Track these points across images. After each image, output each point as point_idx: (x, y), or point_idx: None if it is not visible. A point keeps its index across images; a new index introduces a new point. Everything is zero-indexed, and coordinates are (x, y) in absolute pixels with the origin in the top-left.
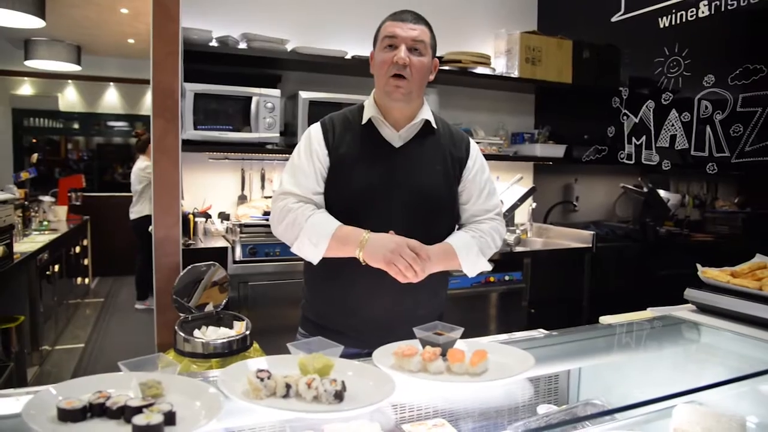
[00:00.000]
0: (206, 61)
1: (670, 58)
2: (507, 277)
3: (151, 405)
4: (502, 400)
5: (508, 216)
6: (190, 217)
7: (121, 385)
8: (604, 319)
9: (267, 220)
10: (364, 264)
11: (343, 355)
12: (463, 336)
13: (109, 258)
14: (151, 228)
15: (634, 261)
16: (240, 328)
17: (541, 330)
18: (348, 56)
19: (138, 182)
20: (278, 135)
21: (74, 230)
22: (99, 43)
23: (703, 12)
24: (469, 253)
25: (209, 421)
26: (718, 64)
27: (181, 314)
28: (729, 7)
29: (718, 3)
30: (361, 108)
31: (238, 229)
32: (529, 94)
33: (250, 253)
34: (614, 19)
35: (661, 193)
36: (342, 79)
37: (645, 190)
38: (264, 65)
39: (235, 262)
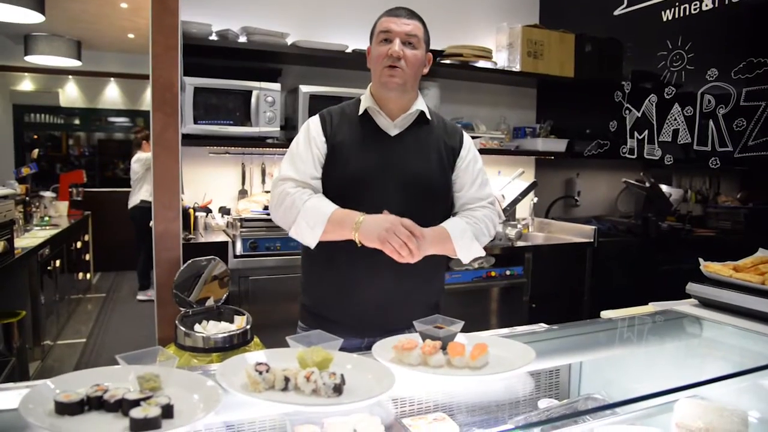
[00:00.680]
0: (206, 54)
1: (673, 51)
2: (508, 272)
3: (148, 398)
4: (502, 394)
5: (510, 211)
6: (191, 211)
7: (119, 379)
8: (606, 314)
9: (268, 214)
10: (360, 246)
11: (343, 349)
12: (464, 330)
13: (110, 253)
14: (151, 223)
15: (635, 256)
16: (240, 322)
17: (542, 324)
18: (348, 50)
19: (133, 173)
20: (279, 129)
21: (75, 225)
22: (99, 38)
23: (706, 5)
24: (463, 237)
25: (207, 414)
26: (721, 58)
27: (182, 309)
28: (733, 0)
29: None
30: (358, 101)
31: (239, 224)
32: (530, 88)
33: (250, 248)
34: (617, 12)
35: (664, 187)
36: (342, 72)
37: (647, 184)
38: (264, 59)
39: (235, 256)
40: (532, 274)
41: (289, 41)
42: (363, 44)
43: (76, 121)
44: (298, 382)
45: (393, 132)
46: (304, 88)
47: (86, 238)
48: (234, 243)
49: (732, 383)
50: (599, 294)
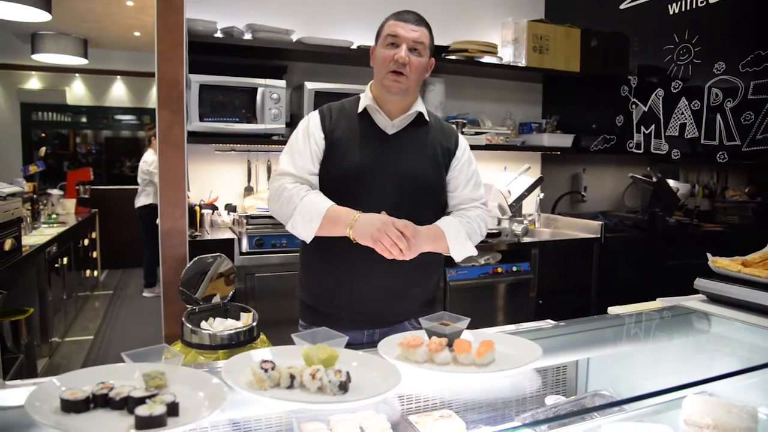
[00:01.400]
0: (211, 52)
1: (680, 45)
2: (515, 268)
3: (154, 396)
4: (509, 390)
5: (516, 206)
6: (197, 208)
7: (124, 376)
8: (613, 310)
9: None
10: (354, 242)
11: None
12: (470, 327)
13: (117, 250)
14: (158, 220)
15: (642, 251)
16: (247, 319)
17: (549, 321)
18: (354, 46)
19: (142, 174)
20: (284, 126)
21: (83, 223)
22: (105, 36)
23: None
24: (457, 236)
25: (212, 411)
26: (728, 51)
27: (188, 306)
28: None
29: None
30: (358, 98)
31: (245, 221)
32: (536, 84)
33: (256, 245)
34: (623, 6)
35: (671, 182)
36: (348, 69)
37: (654, 179)
38: (269, 56)
39: (241, 253)
40: (539, 270)
41: (294, 38)
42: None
43: (83, 119)
44: (304, 379)
45: (390, 131)
46: (310, 85)
47: (93, 235)
48: (240, 240)
49: (741, 379)
50: (606, 290)
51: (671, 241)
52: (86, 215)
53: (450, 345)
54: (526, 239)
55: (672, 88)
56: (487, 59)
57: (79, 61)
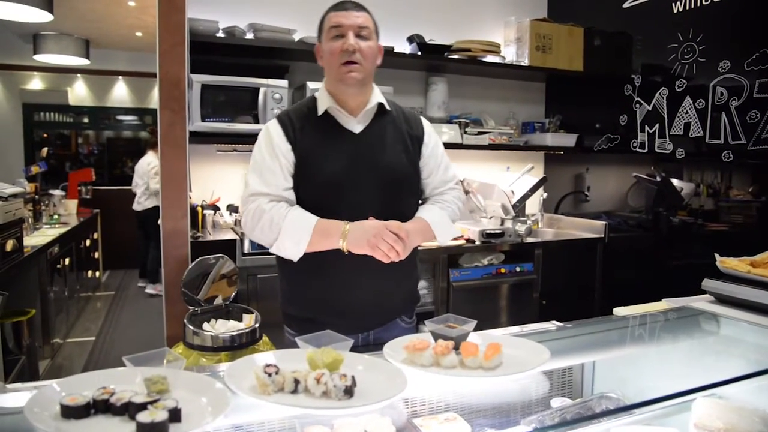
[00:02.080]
0: (213, 52)
1: (684, 43)
2: (518, 268)
3: (155, 401)
4: (515, 393)
5: (519, 206)
6: (199, 209)
7: (125, 381)
8: (619, 311)
9: None
10: (347, 253)
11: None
12: (474, 328)
13: (119, 251)
14: (159, 221)
15: (647, 251)
16: (249, 321)
17: (554, 322)
18: None
19: (137, 177)
20: None
21: (84, 224)
22: (107, 36)
23: None
24: (442, 223)
25: (215, 418)
26: (733, 49)
27: (190, 307)
28: None
29: None
30: (314, 99)
31: None
32: (539, 83)
33: (258, 246)
34: (626, 5)
35: (675, 182)
36: None
37: (658, 179)
38: (271, 56)
39: (243, 254)
40: (542, 270)
41: (297, 37)
42: None
43: (85, 120)
44: (308, 384)
45: (357, 129)
46: (312, 85)
47: (95, 236)
48: (242, 241)
49: (751, 381)
50: (610, 290)
51: (675, 241)
52: (88, 216)
53: (456, 348)
54: (530, 239)
55: (676, 87)
56: (489, 58)
57: (81, 62)
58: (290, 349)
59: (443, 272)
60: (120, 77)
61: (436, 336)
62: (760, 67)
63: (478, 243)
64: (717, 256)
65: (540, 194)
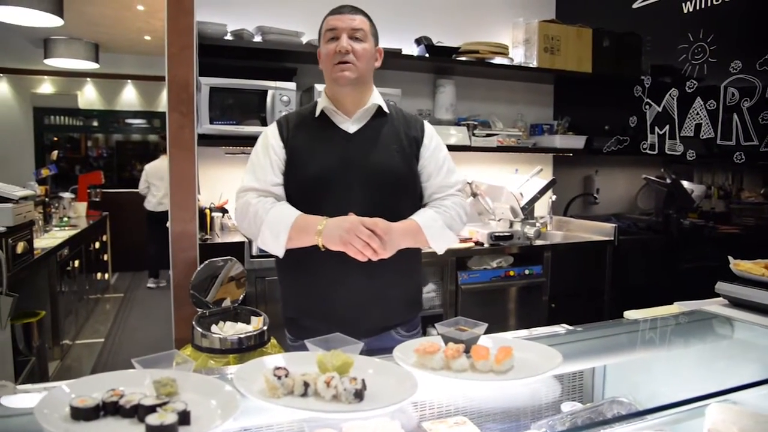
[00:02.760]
0: (221, 54)
1: (695, 44)
2: (527, 271)
3: (165, 404)
4: (525, 397)
5: (528, 209)
6: (207, 211)
7: (135, 383)
8: (629, 314)
9: None
10: (323, 250)
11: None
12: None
13: (127, 253)
14: (168, 223)
15: (657, 254)
16: (257, 323)
17: (564, 325)
18: None
19: (159, 180)
20: None
21: (94, 226)
22: (116, 40)
23: None
24: (434, 227)
25: (225, 420)
26: (745, 50)
27: (199, 309)
28: None
29: None
30: (315, 104)
31: None
32: (547, 85)
33: None
34: (635, 5)
35: (685, 184)
36: None
37: (668, 181)
38: (279, 58)
39: (252, 257)
40: (552, 273)
41: (304, 40)
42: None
43: (95, 123)
44: (318, 387)
45: (351, 129)
46: (320, 87)
47: (104, 238)
48: (250, 243)
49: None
50: (620, 293)
51: (686, 243)
52: (97, 218)
53: (467, 351)
54: (539, 242)
55: (687, 88)
56: (497, 60)
57: (91, 66)
58: (300, 351)
59: (451, 275)
60: (129, 81)
61: (447, 339)
62: None
63: (486, 245)
64: (731, 258)
65: (549, 196)
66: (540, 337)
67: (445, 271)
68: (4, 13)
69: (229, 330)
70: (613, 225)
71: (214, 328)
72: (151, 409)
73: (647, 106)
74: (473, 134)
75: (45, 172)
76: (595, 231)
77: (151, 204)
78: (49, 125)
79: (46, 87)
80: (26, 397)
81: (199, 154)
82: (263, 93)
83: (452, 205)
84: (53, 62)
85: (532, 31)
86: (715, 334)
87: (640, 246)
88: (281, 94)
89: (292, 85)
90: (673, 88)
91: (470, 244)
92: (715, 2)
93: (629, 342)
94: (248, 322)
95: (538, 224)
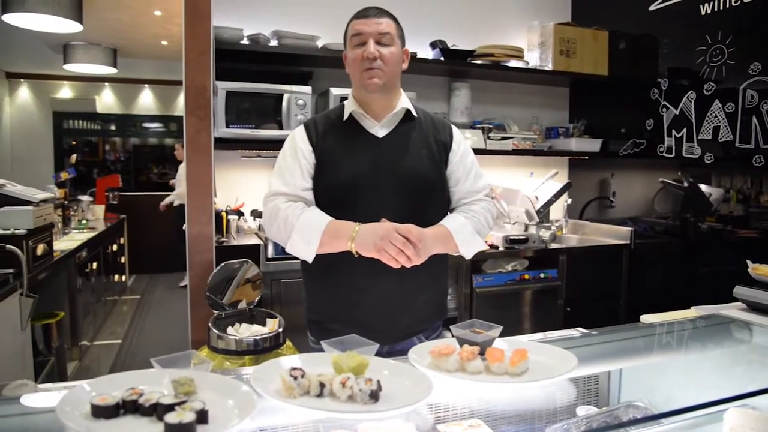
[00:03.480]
0: (238, 59)
1: (713, 46)
2: (542, 275)
3: (183, 403)
4: (540, 400)
5: (543, 212)
6: (223, 214)
7: (154, 382)
8: (646, 318)
9: None
10: (356, 256)
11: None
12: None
13: (144, 256)
14: (184, 226)
15: (674, 258)
16: (273, 325)
17: (579, 329)
18: None
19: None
20: None
21: (111, 229)
22: (134, 45)
23: None
24: (464, 233)
25: (242, 420)
26: (764, 51)
27: (215, 311)
28: None
29: None
30: (342, 107)
31: None
32: (563, 88)
33: (282, 251)
34: (652, 7)
35: (703, 187)
36: None
37: (685, 184)
38: (295, 62)
39: (267, 259)
40: (567, 276)
41: (320, 44)
42: None
43: (112, 127)
44: (334, 388)
45: (381, 133)
46: (335, 91)
47: (122, 241)
48: (266, 246)
49: None
50: (636, 297)
51: (703, 247)
52: (115, 221)
53: (482, 353)
54: (554, 245)
55: (705, 91)
56: (513, 63)
57: (109, 71)
58: (316, 353)
59: (466, 278)
60: (146, 85)
61: (462, 341)
62: None
63: (501, 249)
64: (749, 262)
65: (564, 200)
66: (555, 340)
67: (460, 274)
68: (26, 20)
69: (245, 332)
70: (630, 228)
71: (230, 329)
72: (170, 407)
73: (664, 109)
74: (488, 137)
75: (64, 176)
76: (611, 234)
77: None
78: (68, 129)
79: (66, 92)
80: (46, 396)
81: (215, 157)
82: (279, 97)
83: (481, 211)
84: (72, 67)
85: (547, 34)
86: (733, 339)
87: (657, 250)
88: (297, 98)
89: (307, 89)
90: (690, 91)
91: (485, 248)
92: (733, 3)
93: (645, 346)
94: (264, 324)
95: (553, 227)
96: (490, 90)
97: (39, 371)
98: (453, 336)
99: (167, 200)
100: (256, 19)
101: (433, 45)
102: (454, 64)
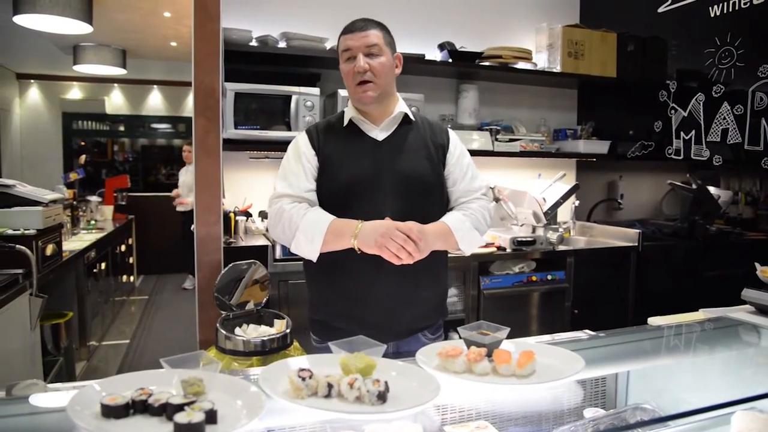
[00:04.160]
0: (246, 60)
1: (722, 48)
2: (549, 277)
3: (192, 403)
4: (547, 402)
5: (551, 214)
6: (231, 215)
7: (163, 382)
8: (654, 321)
9: None
10: (359, 252)
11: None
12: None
13: (152, 256)
14: (193, 227)
15: (682, 260)
16: (280, 326)
17: (587, 331)
18: None
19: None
20: None
21: (120, 229)
22: (143, 46)
23: None
24: (463, 229)
25: (251, 420)
26: None
27: (223, 312)
28: None
29: None
30: (342, 113)
31: None
32: (571, 89)
33: (289, 252)
34: (661, 9)
35: (712, 189)
36: None
37: (694, 186)
38: (303, 64)
39: (275, 260)
40: (575, 278)
41: (328, 46)
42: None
43: (121, 128)
44: (342, 389)
45: (380, 137)
46: (343, 93)
47: (130, 241)
48: (274, 247)
49: None
50: (644, 300)
51: (712, 250)
52: (123, 222)
53: (489, 355)
54: (562, 247)
55: (713, 93)
56: (521, 65)
57: (118, 72)
58: (324, 354)
59: (474, 280)
60: (155, 86)
61: (469, 343)
62: None
63: (509, 250)
64: (757, 265)
65: (572, 202)
66: (562, 342)
67: (467, 275)
68: (36, 21)
69: (253, 332)
70: (638, 231)
71: (237, 330)
72: (179, 407)
73: (672, 111)
74: (496, 139)
75: (73, 176)
76: (619, 237)
77: None
78: (77, 130)
79: (75, 92)
80: (55, 396)
81: (223, 158)
82: (287, 98)
83: (478, 208)
84: (82, 68)
85: (555, 36)
86: (741, 342)
87: (664, 252)
88: (305, 100)
89: (316, 91)
90: (699, 93)
91: (492, 249)
92: (743, 5)
93: (653, 348)
94: (271, 325)
95: (561, 229)
96: (498, 92)
97: (48, 371)
98: (460, 337)
99: (184, 205)
100: (265, 20)
101: (442, 47)
102: (462, 66)
